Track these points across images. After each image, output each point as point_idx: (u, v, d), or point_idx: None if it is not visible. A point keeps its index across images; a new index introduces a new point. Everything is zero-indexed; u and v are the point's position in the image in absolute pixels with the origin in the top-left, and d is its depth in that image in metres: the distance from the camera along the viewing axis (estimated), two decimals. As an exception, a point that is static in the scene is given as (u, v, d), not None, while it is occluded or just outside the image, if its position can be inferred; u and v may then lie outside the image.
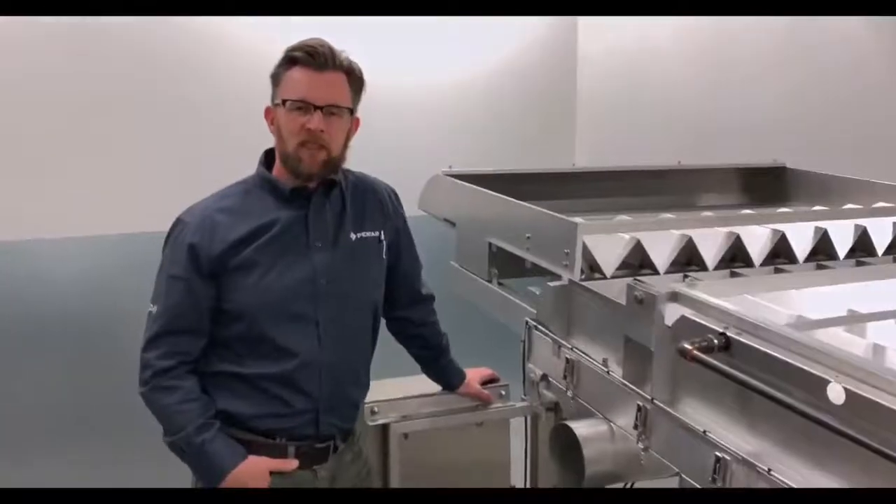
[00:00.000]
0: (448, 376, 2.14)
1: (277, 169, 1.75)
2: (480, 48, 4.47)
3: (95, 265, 3.69)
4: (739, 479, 1.42)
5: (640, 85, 4.38)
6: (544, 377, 2.07)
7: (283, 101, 1.67)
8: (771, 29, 3.58)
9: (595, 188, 2.93)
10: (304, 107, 1.66)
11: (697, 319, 1.54)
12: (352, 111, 1.73)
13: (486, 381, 2.22)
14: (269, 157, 1.79)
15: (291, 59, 1.68)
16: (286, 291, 1.68)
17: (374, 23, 3.87)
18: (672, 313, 1.59)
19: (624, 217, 2.14)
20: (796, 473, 1.34)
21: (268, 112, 1.74)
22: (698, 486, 1.51)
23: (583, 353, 1.90)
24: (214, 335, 1.70)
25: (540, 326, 2.07)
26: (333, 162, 1.72)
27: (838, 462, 1.28)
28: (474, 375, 2.18)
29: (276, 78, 1.71)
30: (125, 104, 3.69)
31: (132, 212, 3.56)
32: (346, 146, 1.74)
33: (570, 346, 1.95)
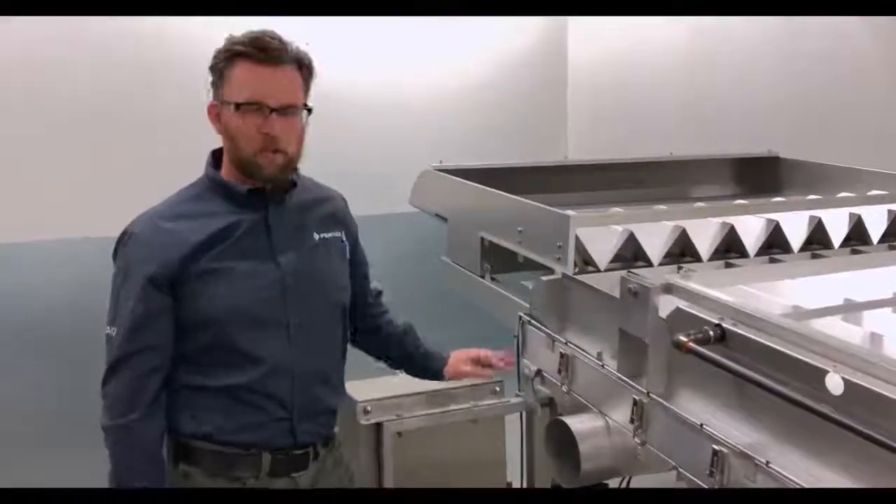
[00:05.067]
0: (423, 366, 2.04)
1: (228, 170, 1.65)
2: (472, 44, 4.45)
3: (78, 268, 3.65)
4: (737, 473, 1.40)
5: (631, 77, 4.36)
6: (539, 372, 2.04)
7: (236, 105, 1.54)
8: (762, 21, 3.57)
9: (587, 181, 2.91)
10: (259, 109, 1.54)
11: (692, 311, 1.52)
12: (306, 107, 1.62)
13: (479, 363, 2.09)
14: (215, 158, 1.68)
15: (238, 53, 1.55)
16: (253, 296, 1.60)
17: (366, 20, 3.84)
18: (666, 305, 1.57)
19: (617, 209, 2.12)
20: (795, 465, 1.32)
21: (212, 109, 1.62)
22: (696, 480, 1.49)
23: (577, 347, 1.88)
24: (178, 349, 1.61)
25: (534, 321, 2.04)
26: (292, 163, 1.63)
27: (838, 453, 1.27)
28: (459, 356, 2.05)
29: (219, 71, 1.58)
30: (106, 107, 3.66)
31: (109, 215, 3.53)
32: (301, 144, 1.64)
33: (564, 341, 1.92)
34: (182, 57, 3.70)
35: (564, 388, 1.91)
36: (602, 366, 1.77)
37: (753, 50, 3.69)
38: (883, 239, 2.12)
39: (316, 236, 1.71)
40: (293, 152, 1.62)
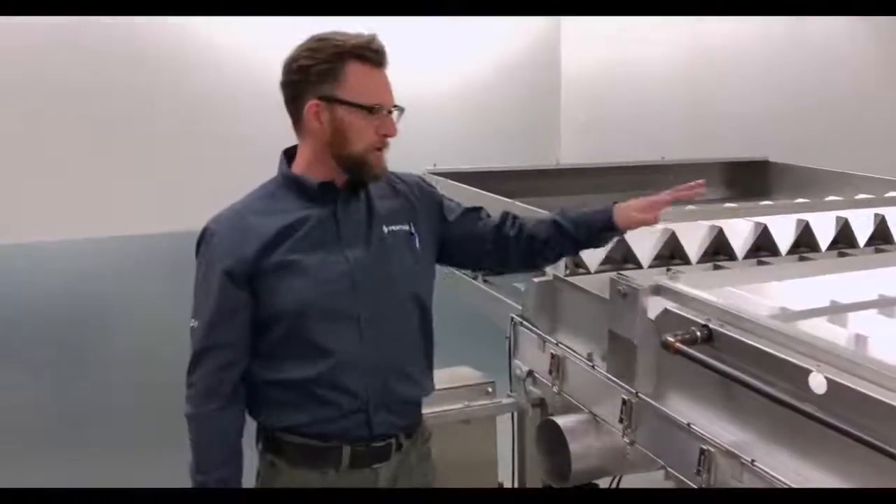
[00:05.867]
0: (591, 226, 1.73)
1: (301, 167, 1.69)
2: (466, 49, 4.46)
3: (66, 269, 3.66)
4: (724, 471, 1.43)
5: (624, 82, 4.39)
6: (530, 373, 2.07)
7: (361, 106, 1.60)
8: (753, 28, 3.61)
9: (579, 185, 2.94)
10: (379, 110, 1.60)
11: (680, 312, 1.54)
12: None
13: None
14: (288, 157, 1.73)
15: (351, 54, 1.59)
16: (322, 289, 1.63)
17: (359, 25, 3.85)
18: (655, 306, 1.59)
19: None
20: (781, 464, 1.34)
21: (313, 107, 1.63)
22: (683, 479, 1.51)
23: (568, 348, 1.90)
24: (255, 344, 1.66)
25: (525, 323, 2.06)
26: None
27: (822, 451, 1.29)
28: (626, 209, 1.71)
29: (327, 71, 1.60)
30: (93, 104, 3.67)
31: (101, 216, 3.54)
32: None
33: (555, 342, 1.95)
34: (182, 57, 3.72)
35: (555, 389, 1.93)
36: (592, 366, 1.79)
37: (745, 56, 3.73)
38: (869, 242, 2.15)
39: (385, 229, 1.71)
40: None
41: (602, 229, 1.71)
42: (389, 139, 1.63)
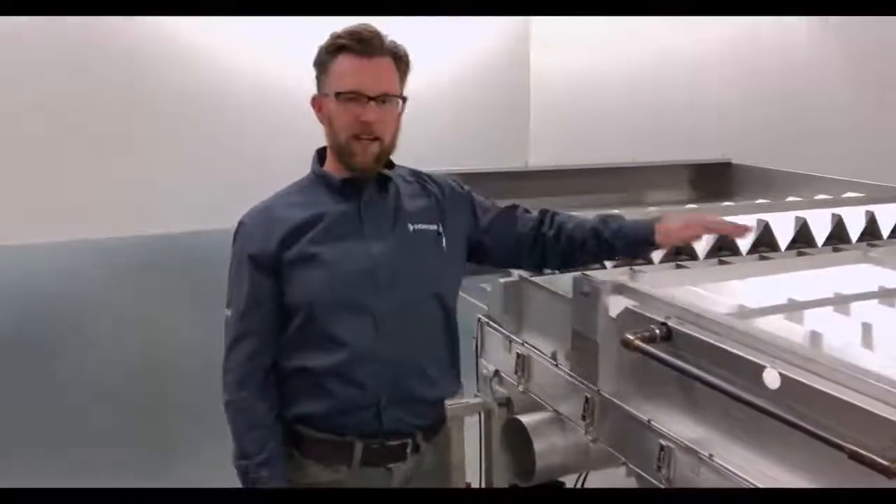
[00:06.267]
0: (630, 237, 1.73)
1: (330, 163, 1.74)
2: (436, 50, 4.48)
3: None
4: (683, 466, 1.45)
5: (592, 84, 4.43)
6: (497, 373, 2.09)
7: (336, 94, 1.63)
8: (716, 31, 3.66)
9: (547, 186, 2.96)
10: (357, 98, 1.62)
11: (641, 311, 1.57)
12: (401, 97, 1.70)
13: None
14: (320, 156, 1.78)
15: (339, 47, 1.64)
16: (341, 282, 1.65)
17: (326, 25, 3.84)
18: (616, 305, 1.61)
19: (572, 214, 2.16)
20: (738, 458, 1.37)
21: (314, 101, 1.70)
22: (644, 475, 1.54)
23: (533, 347, 1.92)
24: (282, 331, 1.70)
25: (492, 323, 2.08)
26: (386, 152, 1.69)
27: (778, 446, 1.32)
28: (667, 227, 1.70)
29: (322, 66, 1.67)
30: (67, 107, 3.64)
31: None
32: (397, 134, 1.71)
33: (520, 342, 1.96)
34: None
35: (521, 388, 1.95)
36: (556, 365, 1.81)
37: (710, 59, 3.78)
38: (827, 241, 2.19)
39: (410, 227, 1.72)
40: (388, 140, 1.68)
41: (642, 243, 1.73)
42: (377, 129, 1.64)
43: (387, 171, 1.72)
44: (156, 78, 3.76)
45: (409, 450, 1.71)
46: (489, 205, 1.83)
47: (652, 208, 2.26)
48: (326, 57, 1.66)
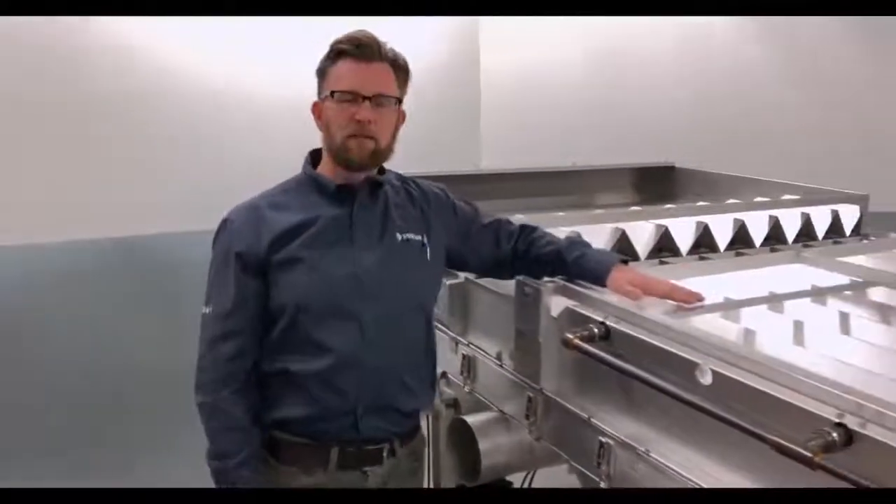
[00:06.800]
0: (586, 270, 1.77)
1: (323, 167, 1.74)
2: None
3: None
4: (622, 462, 1.48)
5: (540, 89, 4.48)
6: (444, 374, 2.10)
7: (332, 94, 1.65)
8: (663, 37, 3.74)
9: (498, 189, 2.98)
10: (353, 98, 1.64)
11: (580, 310, 1.60)
12: (399, 102, 1.71)
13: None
14: (313, 158, 1.78)
15: (338, 52, 1.66)
16: (327, 287, 1.65)
17: (274, 26, 3.82)
18: (557, 305, 1.64)
19: (519, 216, 2.19)
20: (673, 453, 1.41)
21: (315, 107, 1.72)
22: (586, 472, 1.57)
23: (478, 348, 1.94)
24: (265, 334, 1.68)
25: (440, 325, 2.09)
26: (382, 154, 1.70)
27: (712, 441, 1.36)
28: (622, 275, 1.74)
29: (322, 72, 1.70)
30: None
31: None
32: (394, 138, 1.72)
33: (466, 343, 1.98)
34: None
35: (467, 389, 1.97)
36: (501, 365, 1.83)
37: (655, 69, 3.86)
38: (765, 242, 2.26)
39: (399, 237, 1.73)
40: (384, 142, 1.68)
41: (593, 279, 1.77)
42: (372, 129, 1.65)
43: (379, 177, 1.74)
44: (135, 82, 3.69)
45: (385, 454, 1.71)
46: (472, 215, 1.88)
47: (596, 210, 2.30)
48: (326, 63, 1.69)
